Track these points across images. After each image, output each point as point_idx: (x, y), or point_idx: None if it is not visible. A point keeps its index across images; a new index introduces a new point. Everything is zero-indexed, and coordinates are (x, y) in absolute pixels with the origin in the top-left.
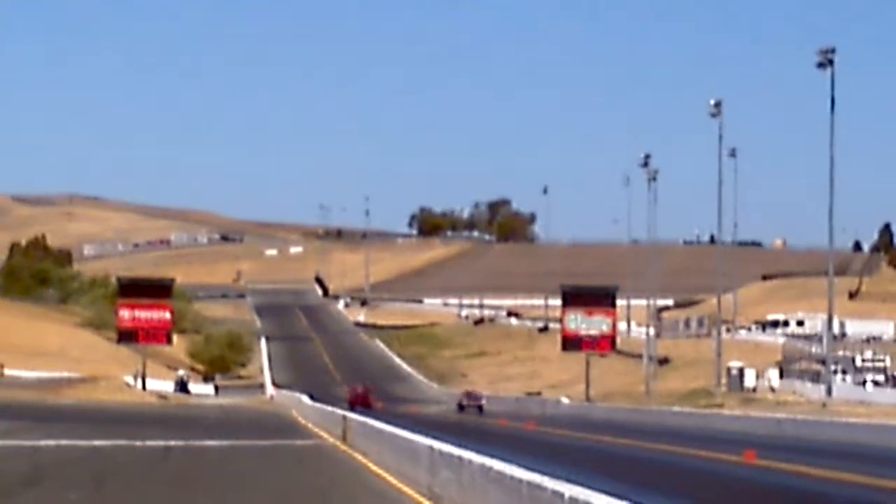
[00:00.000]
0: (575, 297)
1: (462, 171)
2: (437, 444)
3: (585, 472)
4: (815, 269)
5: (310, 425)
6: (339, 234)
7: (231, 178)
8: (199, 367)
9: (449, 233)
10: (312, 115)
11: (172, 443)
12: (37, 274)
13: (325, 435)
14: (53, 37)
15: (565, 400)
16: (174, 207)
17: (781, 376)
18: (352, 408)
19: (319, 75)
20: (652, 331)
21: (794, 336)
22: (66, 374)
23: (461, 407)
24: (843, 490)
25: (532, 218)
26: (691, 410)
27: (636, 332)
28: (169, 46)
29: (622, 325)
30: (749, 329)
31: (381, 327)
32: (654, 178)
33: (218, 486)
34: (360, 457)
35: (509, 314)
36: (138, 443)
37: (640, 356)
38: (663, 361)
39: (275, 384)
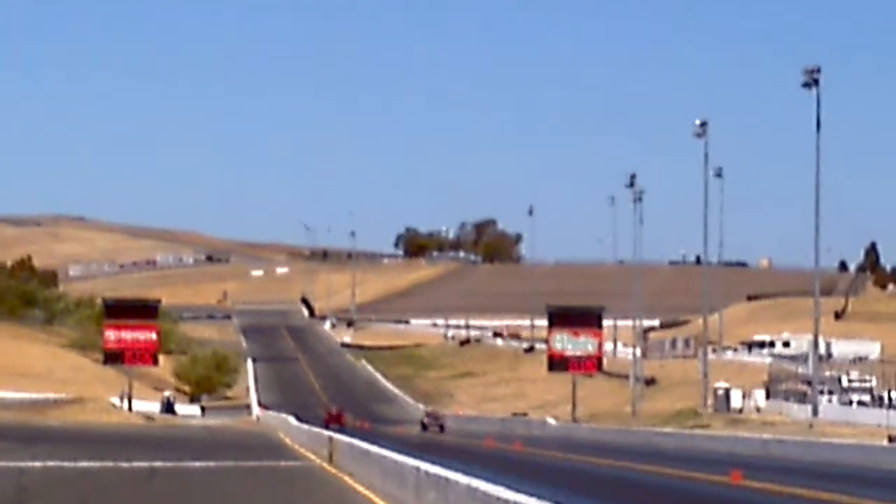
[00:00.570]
0: (561, 318)
1: (447, 191)
2: (424, 465)
3: (573, 494)
4: (801, 289)
5: (296, 446)
6: (325, 255)
7: (217, 198)
8: (186, 387)
9: (435, 253)
10: (298, 135)
11: (158, 464)
12: (22, 295)
13: (311, 456)
14: (37, 58)
15: (552, 421)
16: (160, 228)
17: (768, 397)
18: (326, 426)
19: (305, 97)
20: (638, 351)
21: (780, 356)
22: (51, 396)
23: (424, 426)
24: None
25: (518, 238)
26: (678, 431)
27: (622, 352)
28: (154, 66)
29: (608, 346)
30: (735, 349)
31: (368, 348)
32: (640, 199)
33: None
34: (346, 478)
35: (496, 335)
36: (124, 464)
37: (626, 377)
38: (650, 382)
39: (261, 405)
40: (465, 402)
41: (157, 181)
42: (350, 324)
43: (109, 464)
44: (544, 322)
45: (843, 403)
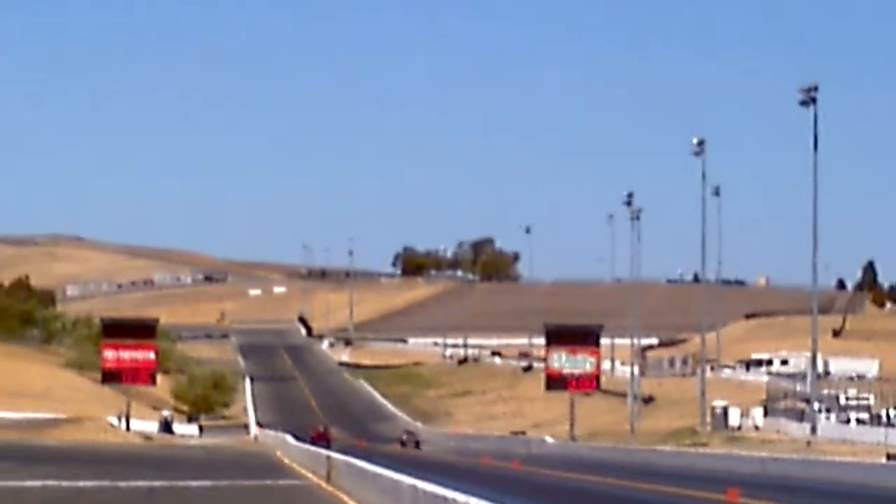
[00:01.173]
0: (559, 336)
1: (445, 210)
2: (421, 484)
3: None
4: (799, 307)
5: (294, 465)
6: (322, 274)
7: (215, 218)
8: (184, 407)
9: (433, 272)
10: (296, 154)
11: (156, 483)
12: (21, 314)
13: (309, 475)
14: (35, 76)
15: (549, 439)
16: (158, 247)
17: (766, 415)
18: (313, 442)
19: (302, 115)
20: (636, 370)
21: (778, 374)
22: (50, 415)
23: (402, 443)
24: None
25: (516, 257)
26: (676, 449)
27: (620, 370)
28: (150, 85)
29: (606, 364)
30: (733, 368)
31: (366, 367)
32: (638, 217)
33: None
34: (344, 496)
35: (493, 353)
36: (122, 483)
37: (624, 395)
38: (648, 400)
39: (259, 424)
40: (464, 421)
41: (154, 201)
42: (348, 343)
43: (107, 483)
44: (542, 340)
45: (841, 421)
